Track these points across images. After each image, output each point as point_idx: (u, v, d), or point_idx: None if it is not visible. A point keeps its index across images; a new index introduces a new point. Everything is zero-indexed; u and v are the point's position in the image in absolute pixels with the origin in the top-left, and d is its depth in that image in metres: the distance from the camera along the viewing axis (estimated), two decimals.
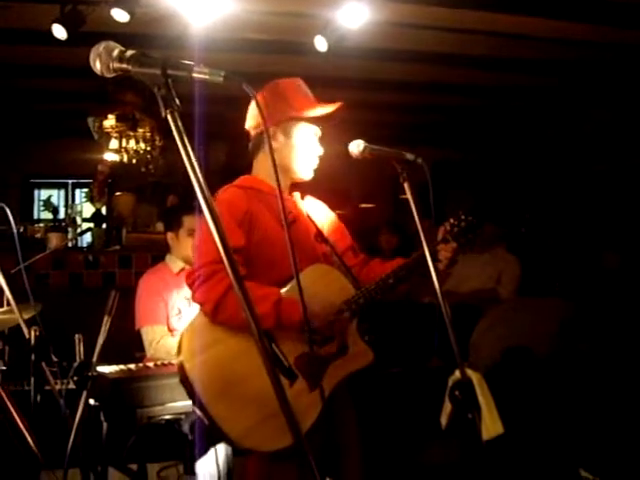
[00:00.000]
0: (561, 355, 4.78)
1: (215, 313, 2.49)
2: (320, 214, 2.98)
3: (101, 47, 1.52)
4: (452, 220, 2.74)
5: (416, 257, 2.68)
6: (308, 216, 2.90)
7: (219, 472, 3.41)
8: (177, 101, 1.45)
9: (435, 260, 2.67)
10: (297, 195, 2.92)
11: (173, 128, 1.43)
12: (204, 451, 3.60)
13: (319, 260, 2.75)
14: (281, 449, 2.43)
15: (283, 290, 2.59)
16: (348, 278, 2.76)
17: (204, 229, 2.61)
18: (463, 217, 2.74)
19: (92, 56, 1.52)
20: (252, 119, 2.85)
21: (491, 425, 2.57)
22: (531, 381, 4.54)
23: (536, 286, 5.89)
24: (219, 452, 3.50)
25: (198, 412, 2.50)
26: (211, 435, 3.40)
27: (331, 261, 2.83)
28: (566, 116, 8.39)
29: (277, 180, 1.81)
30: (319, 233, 2.87)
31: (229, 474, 3.64)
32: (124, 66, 1.50)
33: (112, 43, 1.52)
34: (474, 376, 2.44)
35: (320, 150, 2.84)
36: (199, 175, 1.41)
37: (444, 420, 2.73)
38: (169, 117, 1.45)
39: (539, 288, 5.80)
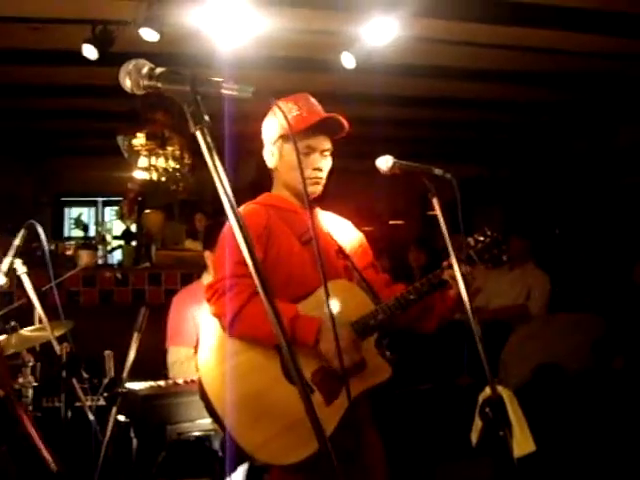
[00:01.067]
0: (593, 372, 4.73)
1: (232, 326, 2.50)
2: (341, 231, 2.96)
3: (131, 65, 1.53)
4: (476, 236, 2.72)
5: (438, 273, 2.66)
6: (328, 232, 2.88)
7: None
8: (206, 117, 1.45)
9: (444, 284, 2.65)
10: (317, 211, 2.91)
11: (202, 144, 1.44)
12: (234, 468, 3.60)
13: (339, 276, 2.73)
14: (296, 463, 2.43)
15: (299, 306, 2.59)
16: (369, 294, 2.74)
17: (224, 243, 2.62)
18: (488, 233, 2.72)
19: (122, 74, 1.53)
20: (264, 136, 2.85)
21: (523, 442, 2.55)
22: (562, 399, 4.50)
23: (566, 302, 5.84)
24: (242, 470, 3.51)
25: (215, 426, 2.51)
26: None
27: (352, 277, 2.81)
28: (595, 130, 8.33)
29: (305, 190, 1.80)
30: (340, 249, 2.86)
31: None
32: (154, 83, 1.51)
33: (142, 61, 1.53)
34: (505, 393, 2.42)
35: (319, 163, 2.74)
36: (228, 191, 1.42)
37: (474, 437, 2.71)
38: (198, 133, 1.45)
39: (569, 304, 5.75)
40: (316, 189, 2.77)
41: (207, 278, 4.26)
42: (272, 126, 2.76)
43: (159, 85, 1.51)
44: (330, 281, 2.58)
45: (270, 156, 2.79)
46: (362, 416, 2.71)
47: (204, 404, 2.53)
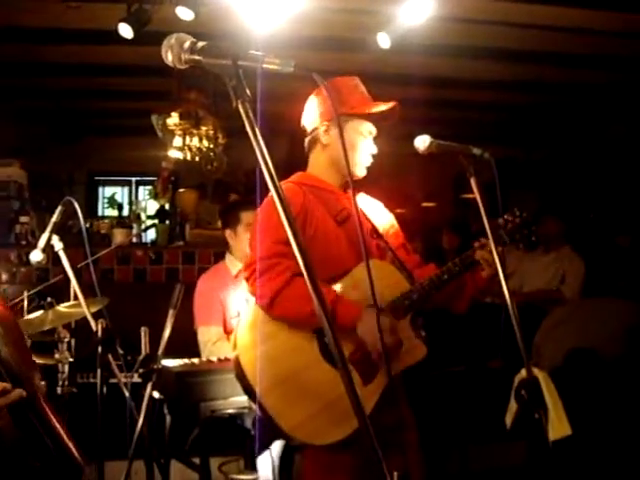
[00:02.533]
0: (627, 358, 4.68)
1: (271, 307, 2.52)
2: (374, 211, 2.97)
3: (173, 39, 1.53)
4: (506, 216, 2.71)
5: (470, 253, 2.66)
6: (362, 212, 2.88)
7: (273, 467, 3.44)
8: (248, 92, 1.45)
9: (475, 264, 2.65)
10: (352, 192, 2.91)
11: (244, 118, 1.43)
12: (265, 447, 3.62)
13: (373, 256, 2.74)
14: (332, 443, 2.46)
15: (337, 287, 2.59)
16: (403, 273, 2.74)
17: (262, 223, 2.63)
18: (517, 213, 2.71)
19: (164, 48, 1.53)
20: (309, 115, 2.85)
21: (558, 425, 2.53)
22: (596, 384, 4.45)
23: (600, 287, 5.78)
24: (276, 448, 3.52)
25: (253, 406, 2.53)
26: (272, 430, 3.43)
27: (385, 257, 2.81)
28: (633, 114, 8.20)
29: (348, 168, 1.79)
30: (374, 229, 2.86)
31: (287, 470, 3.67)
32: (195, 57, 1.51)
33: (184, 35, 1.52)
34: (540, 375, 2.40)
35: (374, 149, 2.82)
36: (269, 164, 1.41)
37: (509, 420, 2.70)
38: (240, 107, 1.44)
39: (603, 289, 5.68)
40: (364, 173, 2.82)
41: (229, 258, 4.26)
42: (328, 102, 2.74)
43: (201, 59, 1.50)
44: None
45: (323, 132, 2.79)
46: (399, 396, 2.71)
47: (241, 383, 2.55)
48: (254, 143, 1.40)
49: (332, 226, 2.71)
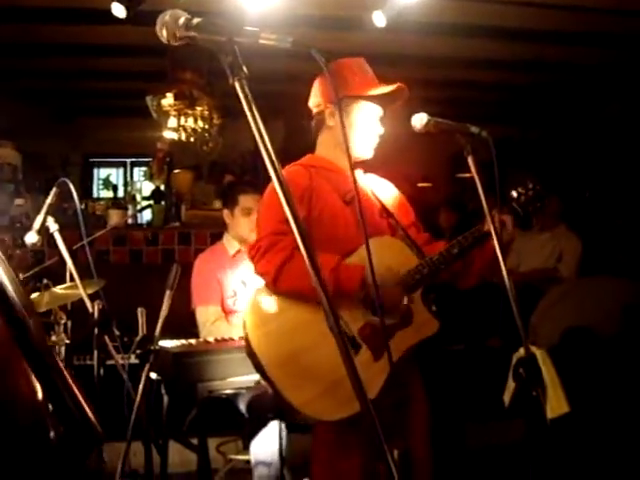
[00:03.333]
0: (624, 336, 4.69)
1: (275, 283, 2.54)
2: (384, 191, 2.99)
3: (167, 15, 1.51)
4: (520, 189, 2.71)
5: (480, 227, 2.67)
6: (372, 192, 2.91)
7: (272, 449, 3.45)
8: (244, 68, 1.43)
9: (486, 236, 2.66)
10: (359, 172, 2.92)
11: (241, 96, 1.42)
12: (259, 428, 3.63)
13: (384, 234, 2.76)
14: (342, 419, 2.47)
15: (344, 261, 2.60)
16: (413, 250, 2.75)
17: (266, 203, 2.66)
18: (531, 186, 2.71)
19: (158, 25, 1.52)
20: (315, 97, 2.86)
21: (556, 403, 2.54)
22: (593, 362, 4.46)
23: (597, 266, 5.78)
24: (274, 431, 3.53)
25: (263, 382, 2.58)
26: (267, 413, 3.43)
27: (396, 234, 2.82)
28: (628, 91, 8.18)
29: (347, 152, 1.78)
30: (384, 208, 2.88)
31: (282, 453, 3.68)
32: (190, 34, 1.49)
33: (179, 11, 1.51)
34: (538, 353, 2.41)
35: (381, 130, 2.85)
36: (267, 143, 1.39)
37: (507, 398, 2.71)
38: (237, 85, 1.43)
39: (600, 268, 5.69)
40: (372, 153, 2.87)
41: (227, 237, 4.28)
42: (341, 83, 2.75)
43: (196, 35, 1.48)
44: (375, 237, 2.61)
45: (329, 114, 2.80)
46: (410, 371, 2.72)
47: (251, 361, 2.57)
48: (251, 120, 1.39)
49: (340, 206, 2.74)
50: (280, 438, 3.65)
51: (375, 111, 2.82)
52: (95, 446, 2.01)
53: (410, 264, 2.67)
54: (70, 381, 1.96)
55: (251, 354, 2.54)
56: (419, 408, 2.79)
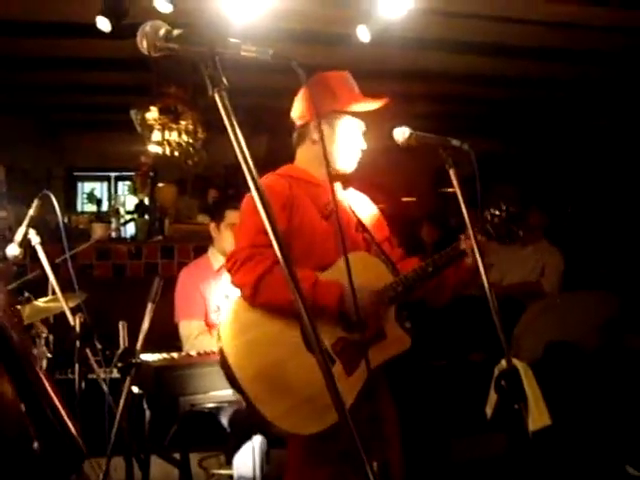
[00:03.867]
0: (606, 350, 4.71)
1: (253, 296, 2.53)
2: (361, 205, 2.99)
3: (148, 26, 1.51)
4: (493, 210, 2.72)
5: (456, 245, 2.67)
6: (349, 206, 2.90)
7: (254, 464, 3.44)
8: (224, 80, 1.43)
9: (462, 255, 2.67)
10: (338, 185, 2.92)
11: (221, 107, 1.41)
12: (242, 442, 3.61)
13: (359, 249, 2.75)
14: (315, 433, 2.46)
15: (320, 275, 2.60)
16: (388, 267, 2.76)
17: (245, 214, 2.66)
18: (504, 208, 2.72)
19: (139, 36, 1.51)
20: (297, 109, 2.86)
21: (538, 416, 2.53)
22: (576, 376, 4.48)
23: (579, 280, 5.82)
24: (255, 445, 3.52)
25: (237, 395, 2.55)
26: (250, 428, 3.42)
27: (371, 250, 2.82)
28: (612, 107, 8.24)
29: (328, 167, 1.79)
30: (359, 223, 2.88)
31: (263, 467, 3.67)
32: (171, 45, 1.49)
33: (159, 22, 1.51)
34: (520, 365, 2.41)
35: (364, 144, 2.85)
36: (246, 154, 1.39)
37: (489, 411, 2.70)
38: (216, 96, 1.43)
39: (582, 282, 5.72)
40: (354, 167, 2.86)
41: (212, 251, 4.27)
42: (321, 98, 2.76)
43: (176, 47, 1.48)
44: (350, 253, 2.59)
45: (314, 127, 2.79)
46: (380, 387, 2.72)
47: (225, 374, 2.55)
48: (230, 131, 1.39)
49: (318, 219, 2.73)
50: (261, 453, 3.65)
51: (359, 126, 2.83)
52: (79, 461, 2.00)
53: (384, 280, 2.67)
54: (53, 396, 1.95)
55: (225, 366, 2.52)
56: (390, 423, 2.78)
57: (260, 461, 3.61)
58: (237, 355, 2.52)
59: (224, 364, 2.53)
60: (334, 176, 2.83)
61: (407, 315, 2.73)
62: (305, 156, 2.87)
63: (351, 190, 3.01)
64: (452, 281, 2.81)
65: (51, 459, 1.89)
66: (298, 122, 2.86)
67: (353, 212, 2.90)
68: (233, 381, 2.51)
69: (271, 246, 2.47)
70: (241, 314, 2.59)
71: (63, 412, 2.01)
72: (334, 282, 2.53)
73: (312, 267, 2.60)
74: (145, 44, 1.50)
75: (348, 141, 2.80)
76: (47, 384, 1.99)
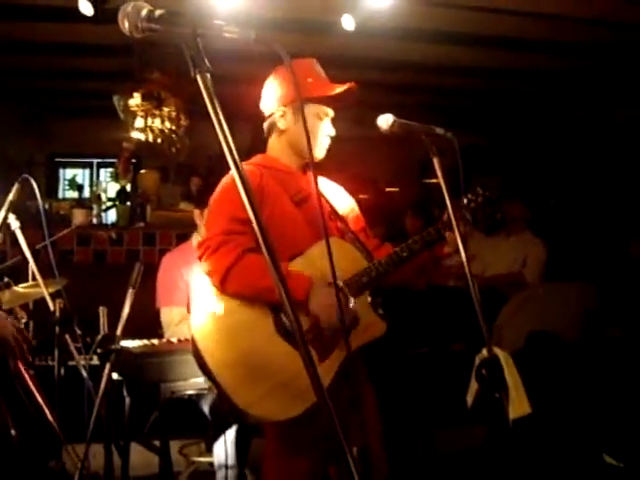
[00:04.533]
0: (587, 341, 4.74)
1: (223, 284, 2.52)
2: (335, 195, 2.98)
3: (129, 7, 1.49)
4: (470, 195, 2.72)
5: (433, 230, 2.66)
6: (323, 195, 2.89)
7: (226, 452, 3.45)
8: (207, 62, 1.41)
9: (442, 239, 2.66)
10: (311, 174, 2.91)
11: (203, 89, 1.40)
12: (222, 431, 3.61)
13: (332, 236, 2.74)
14: (289, 419, 2.45)
15: (290, 265, 2.59)
16: (362, 253, 2.74)
17: (216, 202, 2.67)
18: (480, 192, 2.72)
19: (120, 16, 1.49)
20: (263, 100, 2.85)
21: (518, 405, 2.54)
22: (555, 366, 4.50)
23: (561, 271, 5.84)
24: (231, 433, 3.52)
25: (209, 382, 2.54)
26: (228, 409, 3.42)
27: (346, 238, 2.81)
28: (596, 100, 8.27)
29: (310, 153, 1.77)
30: (333, 211, 2.87)
31: (243, 455, 3.67)
32: (153, 26, 1.47)
33: (141, 2, 1.48)
34: (501, 354, 2.41)
35: (331, 131, 2.81)
36: (229, 138, 1.38)
37: (470, 399, 2.71)
38: (199, 78, 1.41)
39: (564, 273, 5.74)
40: (323, 154, 2.81)
41: (197, 238, 4.25)
42: (285, 87, 2.76)
43: (158, 28, 1.46)
44: (323, 240, 2.58)
45: (279, 117, 2.78)
46: (357, 373, 2.72)
47: (197, 362, 2.54)
48: (211, 113, 1.37)
49: (289, 207, 2.71)
50: (241, 441, 3.65)
51: (326, 112, 2.79)
52: (55, 448, 2.00)
53: (358, 266, 2.66)
54: (32, 387, 1.95)
55: (197, 355, 2.51)
56: (370, 409, 2.78)
57: (241, 449, 3.61)
58: (208, 344, 2.51)
59: (195, 352, 2.52)
60: (306, 164, 2.83)
61: (381, 302, 2.72)
62: (275, 146, 2.86)
63: (324, 179, 2.99)
64: (427, 266, 2.82)
65: (28, 446, 1.90)
66: (266, 113, 2.85)
67: (327, 200, 2.89)
68: (204, 369, 2.51)
69: (243, 234, 2.50)
70: (212, 302, 2.58)
71: (41, 402, 2.02)
72: (303, 276, 2.51)
73: (284, 255, 2.57)
74: (127, 25, 1.48)
75: (314, 128, 2.76)
76: (26, 375, 1.99)
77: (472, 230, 2.78)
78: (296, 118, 2.75)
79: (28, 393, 1.95)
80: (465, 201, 2.70)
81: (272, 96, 2.80)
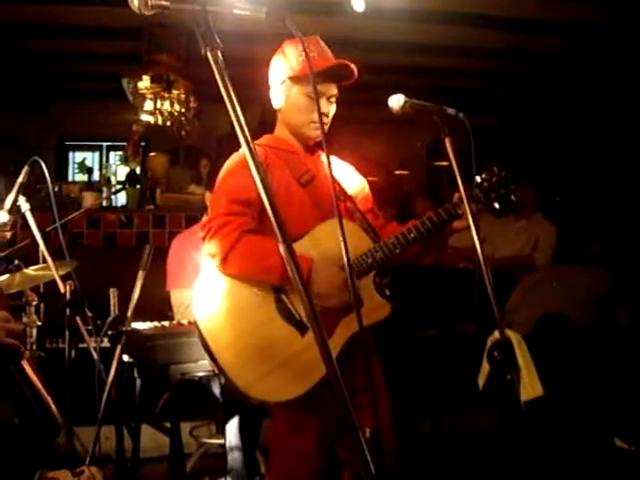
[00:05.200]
0: (597, 324, 4.72)
1: (224, 264, 2.53)
2: (344, 174, 2.96)
3: None
4: (484, 175, 2.67)
5: (443, 210, 2.62)
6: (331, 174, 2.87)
7: (231, 435, 3.48)
8: (217, 38, 1.39)
9: (456, 216, 2.61)
10: (320, 154, 2.89)
11: (213, 66, 1.38)
12: (233, 412, 3.61)
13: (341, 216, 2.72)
14: (289, 400, 2.47)
15: (295, 246, 2.57)
16: (369, 234, 2.72)
17: (220, 183, 2.70)
18: (496, 171, 2.67)
19: None
20: (270, 77, 2.84)
21: (530, 387, 2.52)
22: (566, 348, 4.49)
23: (572, 254, 5.81)
24: (246, 415, 3.53)
25: (211, 362, 2.56)
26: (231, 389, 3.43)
27: (354, 218, 2.79)
28: (605, 81, 8.21)
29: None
30: (342, 191, 2.85)
31: (254, 438, 3.67)
32: (162, 2, 1.45)
33: None
34: (513, 336, 2.39)
35: (327, 109, 2.75)
36: (239, 115, 1.36)
37: (481, 381, 2.69)
38: (209, 55, 1.39)
39: (575, 256, 5.72)
40: (318, 133, 2.76)
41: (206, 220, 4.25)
42: (280, 66, 2.76)
43: (168, 4, 1.44)
44: (329, 220, 2.58)
45: (276, 96, 2.79)
46: (364, 355, 2.70)
47: (201, 343, 2.55)
48: (222, 91, 1.36)
49: (295, 187, 2.71)
50: (250, 423, 3.66)
51: (321, 91, 2.71)
52: (55, 433, 2.01)
53: (364, 247, 2.63)
54: (32, 375, 1.95)
55: (200, 336, 2.53)
56: (380, 392, 2.77)
57: (243, 432, 3.63)
58: (209, 324, 2.52)
59: (199, 333, 2.53)
60: (308, 145, 2.83)
61: (388, 283, 2.69)
62: (281, 124, 2.86)
63: (334, 158, 2.97)
64: (435, 245, 2.80)
65: (30, 432, 1.94)
66: (271, 90, 2.85)
67: (335, 180, 2.87)
68: (207, 349, 2.52)
69: (243, 215, 2.50)
70: (214, 283, 2.58)
71: (43, 391, 2.04)
72: (305, 258, 2.50)
73: (290, 236, 2.57)
74: (136, 1, 1.46)
75: (303, 107, 2.74)
76: (27, 366, 2.00)
77: (482, 211, 2.74)
78: (286, 97, 2.75)
79: (25, 376, 1.96)
80: (478, 180, 2.65)
81: (271, 76, 2.80)
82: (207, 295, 2.58)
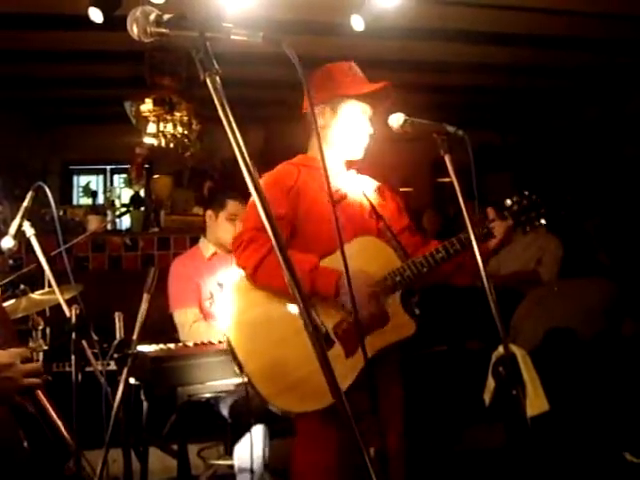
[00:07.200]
0: (605, 337, 4.70)
1: (254, 276, 2.60)
2: (377, 193, 3.04)
3: (138, 11, 1.50)
4: (515, 197, 2.69)
5: (477, 231, 2.64)
6: (364, 193, 2.92)
7: (253, 454, 3.45)
8: (216, 64, 1.42)
9: (489, 236, 2.64)
10: (352, 172, 2.94)
11: (212, 92, 1.40)
12: (242, 432, 3.61)
13: (371, 235, 2.78)
14: (310, 412, 2.53)
15: (325, 260, 2.61)
16: (398, 252, 2.75)
17: (253, 199, 2.69)
18: (527, 194, 2.70)
19: (129, 21, 1.51)
20: (310, 97, 2.88)
21: (536, 401, 2.54)
22: (574, 363, 4.47)
23: (578, 268, 5.79)
24: (256, 435, 3.52)
25: (237, 370, 2.62)
26: (250, 417, 3.43)
27: (386, 238, 2.82)
28: (606, 95, 8.22)
29: (322, 155, 1.78)
30: (373, 210, 2.89)
31: (265, 457, 3.66)
32: (161, 30, 1.48)
33: (149, 7, 1.50)
34: (518, 352, 2.41)
35: (370, 129, 2.87)
36: (239, 139, 1.38)
37: (487, 397, 2.70)
38: (208, 80, 1.42)
39: (581, 269, 5.70)
40: (362, 151, 2.90)
41: (203, 241, 4.27)
42: (327, 86, 2.82)
43: (167, 32, 1.47)
44: (357, 238, 2.63)
45: (321, 114, 2.83)
46: (385, 372, 2.71)
47: (230, 353, 2.62)
48: (222, 116, 1.38)
49: (326, 205, 2.73)
50: (262, 443, 3.64)
51: (363, 110, 2.85)
52: (66, 457, 2.01)
53: (392, 265, 2.68)
54: (43, 399, 1.96)
55: (229, 345, 2.61)
56: (395, 409, 2.78)
57: (261, 451, 3.62)
58: (237, 334, 2.61)
59: (228, 342, 2.62)
60: (347, 163, 2.92)
61: (417, 301, 2.71)
62: (314, 143, 2.92)
63: (366, 177, 3.03)
64: (469, 265, 2.79)
65: (40, 455, 1.95)
66: (305, 111, 2.89)
67: (367, 199, 2.93)
68: (235, 358, 2.59)
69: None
70: (244, 294, 2.67)
71: (53, 414, 2.05)
72: (333, 269, 2.54)
73: (321, 252, 2.65)
74: (136, 29, 1.49)
75: (352, 125, 2.84)
76: (39, 392, 2.02)
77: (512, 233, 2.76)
78: (334, 115, 2.83)
79: (40, 409, 1.98)
80: (509, 202, 2.68)
81: (313, 94, 2.82)
82: (236, 306, 2.67)
